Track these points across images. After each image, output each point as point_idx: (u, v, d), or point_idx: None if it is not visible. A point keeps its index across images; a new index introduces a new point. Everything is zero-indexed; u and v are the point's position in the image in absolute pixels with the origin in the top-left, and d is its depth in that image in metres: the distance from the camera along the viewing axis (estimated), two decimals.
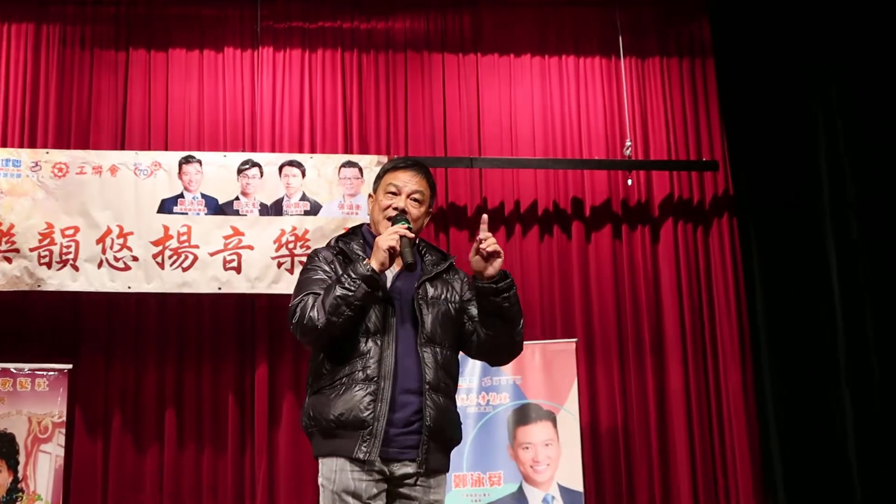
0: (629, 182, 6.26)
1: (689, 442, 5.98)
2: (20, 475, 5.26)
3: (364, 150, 6.11)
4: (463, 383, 5.52)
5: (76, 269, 5.50)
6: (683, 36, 6.60)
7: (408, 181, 2.87)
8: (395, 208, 2.83)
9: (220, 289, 5.62)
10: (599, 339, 6.11)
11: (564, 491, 5.44)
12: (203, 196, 5.67)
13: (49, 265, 5.47)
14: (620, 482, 5.91)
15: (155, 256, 5.56)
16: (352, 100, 6.22)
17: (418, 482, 2.73)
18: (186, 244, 5.60)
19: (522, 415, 5.58)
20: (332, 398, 2.70)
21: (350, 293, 2.65)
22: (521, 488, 5.47)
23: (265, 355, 5.84)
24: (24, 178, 5.53)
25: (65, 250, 5.49)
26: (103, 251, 5.52)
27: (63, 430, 5.37)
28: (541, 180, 6.30)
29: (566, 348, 5.69)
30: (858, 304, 5.71)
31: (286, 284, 5.52)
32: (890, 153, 5.77)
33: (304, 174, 5.76)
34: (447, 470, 2.85)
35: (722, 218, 6.34)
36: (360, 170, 5.79)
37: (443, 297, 2.85)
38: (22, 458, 5.28)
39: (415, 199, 2.87)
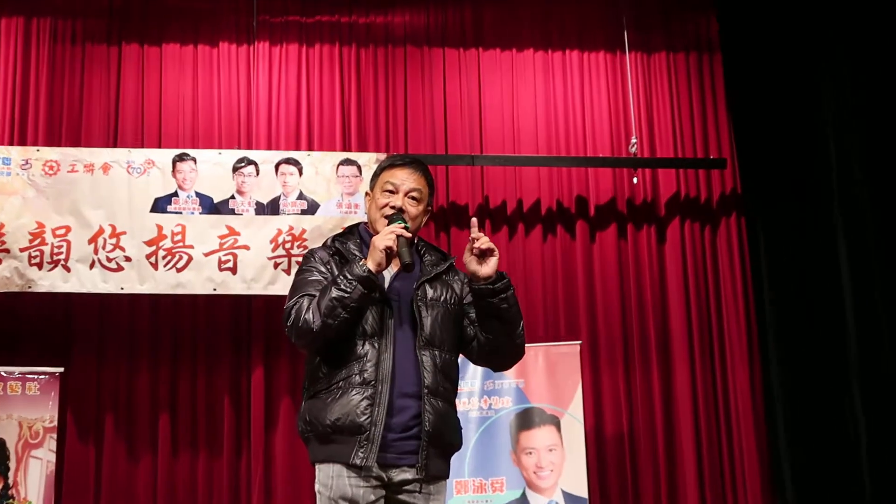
0: (635, 180, 6.24)
1: (697, 447, 5.97)
2: (10, 481, 5.25)
3: (363, 148, 6.10)
4: (464, 387, 5.51)
5: (68, 269, 5.49)
6: (690, 31, 6.59)
7: (405, 179, 2.86)
8: (393, 207, 2.82)
9: (215, 290, 5.61)
10: (604, 341, 6.10)
11: (569, 497, 5.43)
12: (197, 195, 5.66)
13: (40, 266, 5.46)
14: (626, 488, 5.90)
15: (148, 257, 5.55)
16: (350, 96, 6.22)
17: (418, 489, 2.72)
18: (181, 244, 5.59)
19: (525, 419, 5.57)
20: (329, 402, 2.69)
21: (346, 295, 2.64)
22: (524, 494, 5.46)
23: (261, 358, 5.83)
24: (14, 177, 5.52)
25: (56, 250, 5.48)
26: (95, 251, 5.51)
27: (54, 435, 5.36)
28: (544, 178, 6.29)
29: (570, 351, 5.68)
30: (869, 303, 5.72)
31: (283, 285, 5.51)
32: None
33: (301, 172, 5.75)
34: (447, 476, 2.84)
35: (730, 217, 6.33)
36: (359, 168, 5.77)
37: (442, 298, 2.84)
38: (12, 464, 5.27)
39: (412, 198, 2.85)
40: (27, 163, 5.55)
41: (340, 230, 3.06)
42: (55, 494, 5.34)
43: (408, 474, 2.70)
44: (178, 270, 5.56)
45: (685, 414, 6.00)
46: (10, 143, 5.78)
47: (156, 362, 5.80)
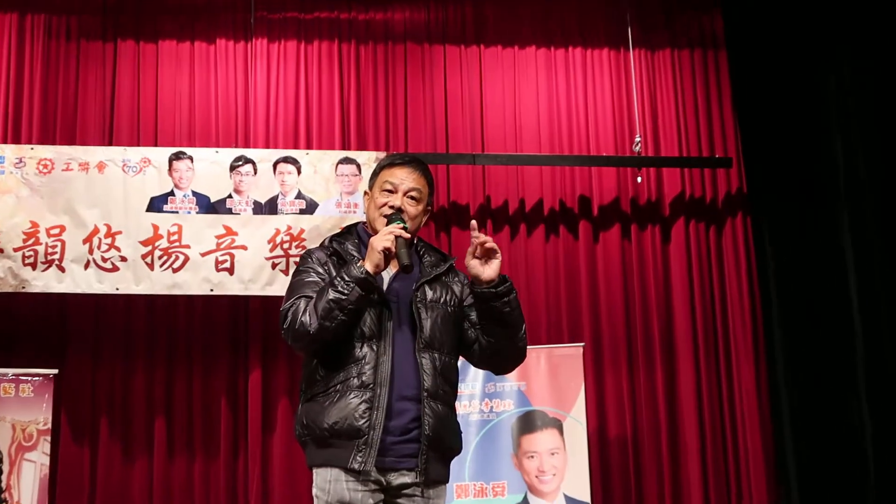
0: (639, 179, 6.24)
1: (701, 450, 5.97)
2: (3, 485, 5.23)
3: (362, 146, 6.09)
4: (465, 389, 5.51)
5: (62, 269, 5.48)
6: (695, 27, 6.58)
7: (405, 178, 2.85)
8: (392, 207, 2.81)
9: (212, 290, 5.61)
10: (607, 343, 6.09)
11: (571, 501, 5.43)
12: (194, 194, 5.66)
13: (34, 266, 5.46)
14: (629, 492, 5.90)
15: (144, 257, 5.54)
16: (349, 94, 6.21)
17: (417, 493, 2.71)
18: (177, 244, 5.58)
19: (527, 422, 5.57)
20: (326, 406, 2.69)
21: (343, 297, 2.63)
22: (525, 499, 5.46)
23: (259, 359, 5.83)
24: (7, 175, 5.52)
25: (50, 250, 5.48)
26: (90, 251, 5.51)
27: (48, 438, 5.36)
28: (546, 178, 6.29)
29: (573, 353, 5.68)
30: (875, 302, 5.74)
31: (281, 286, 5.50)
32: None
33: (299, 171, 5.74)
34: (447, 481, 2.83)
35: (735, 217, 6.33)
36: (358, 166, 5.77)
37: (442, 300, 2.83)
38: (6, 467, 5.26)
39: (412, 197, 2.84)
40: (21, 161, 5.54)
41: (339, 230, 3.05)
42: (49, 498, 5.35)
43: (407, 478, 2.70)
44: (175, 271, 5.56)
45: (689, 417, 5.99)
46: (4, 141, 5.78)
47: (152, 364, 5.80)
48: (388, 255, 2.68)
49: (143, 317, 5.83)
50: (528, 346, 2.93)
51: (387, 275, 2.79)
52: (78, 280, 5.50)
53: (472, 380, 5.57)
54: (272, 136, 6.07)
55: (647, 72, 6.46)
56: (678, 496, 5.93)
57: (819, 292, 5.99)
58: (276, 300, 5.46)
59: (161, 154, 5.70)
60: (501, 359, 2.90)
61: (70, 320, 5.78)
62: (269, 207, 5.69)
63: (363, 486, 2.66)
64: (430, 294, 2.82)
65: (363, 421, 2.64)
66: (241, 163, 5.73)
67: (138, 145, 5.90)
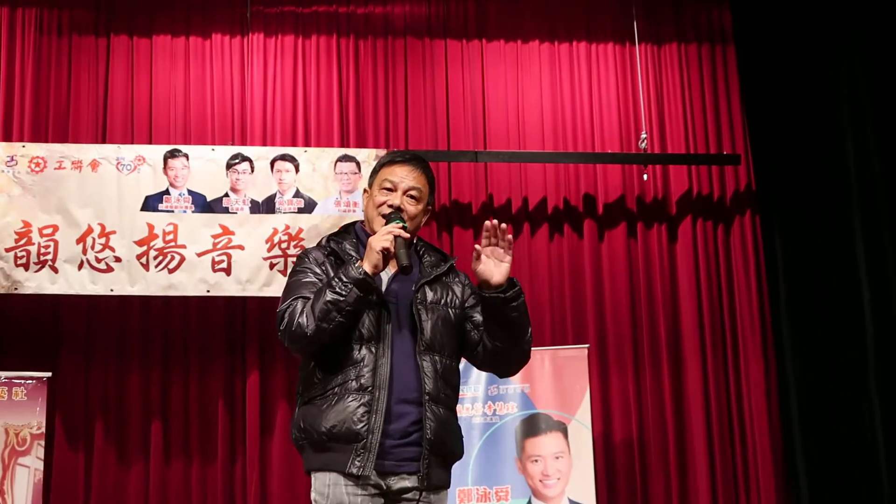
0: (645, 177, 6.23)
1: (709, 453, 5.97)
2: None
3: (362, 144, 6.09)
4: (468, 392, 5.51)
5: (55, 270, 5.48)
6: (702, 21, 6.58)
7: (405, 176, 2.84)
8: (391, 206, 2.81)
9: (208, 291, 5.60)
10: (613, 344, 6.09)
11: None
12: (190, 192, 5.66)
13: (26, 266, 5.46)
14: (636, 497, 5.90)
15: (139, 257, 5.54)
16: (348, 90, 6.21)
17: (417, 497, 2.71)
18: (172, 244, 5.58)
19: (531, 425, 5.56)
20: (324, 409, 2.68)
21: (341, 298, 2.63)
22: (529, 503, 5.45)
23: (256, 362, 5.83)
24: None
25: (43, 250, 5.47)
26: (84, 251, 5.51)
27: (42, 443, 5.36)
28: (550, 175, 6.28)
29: (577, 355, 5.68)
30: (887, 300, 5.74)
31: (279, 287, 5.50)
32: None
33: (297, 169, 5.74)
34: (448, 486, 2.83)
35: (744, 215, 6.32)
36: (358, 164, 5.76)
37: (443, 301, 2.82)
38: None
39: (412, 196, 2.84)
40: (12, 159, 5.54)
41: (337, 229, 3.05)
42: (43, 503, 5.34)
43: (407, 482, 2.69)
44: (170, 271, 5.56)
45: (697, 420, 5.99)
46: None
47: (147, 366, 5.80)
48: (386, 256, 2.67)
49: (137, 318, 5.82)
50: (532, 348, 2.91)
51: (385, 275, 2.79)
52: (71, 281, 5.49)
53: (475, 382, 5.57)
54: (269, 134, 6.07)
55: (653, 67, 6.46)
56: (685, 500, 5.93)
57: (829, 291, 5.99)
58: (274, 301, 5.43)
59: (156, 152, 5.70)
60: (506, 362, 2.89)
61: (63, 322, 5.78)
62: (266, 206, 5.68)
63: (363, 490, 2.66)
64: (430, 295, 2.81)
65: (362, 424, 2.64)
66: (237, 161, 5.72)
67: (132, 143, 5.89)
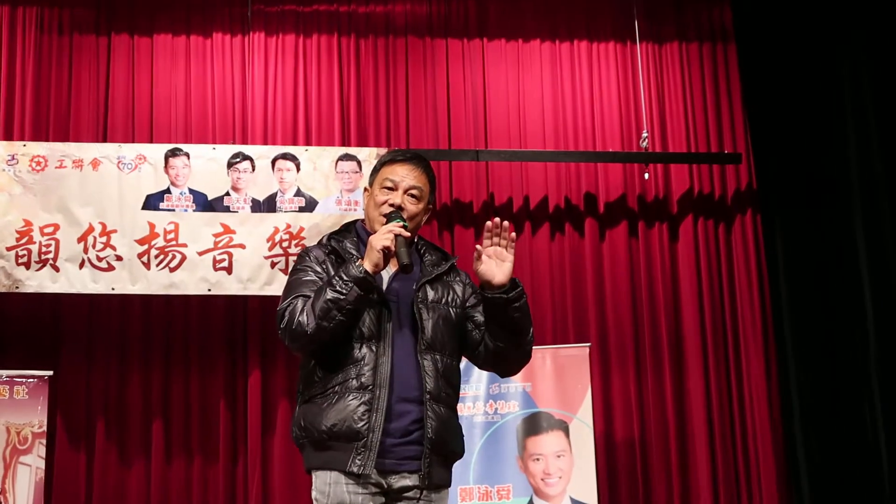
0: (646, 176, 6.23)
1: (710, 452, 5.97)
2: None
3: (363, 143, 6.10)
4: (469, 391, 5.52)
5: (56, 269, 5.49)
6: (703, 19, 6.58)
7: (405, 175, 2.85)
8: (391, 205, 2.81)
9: (209, 290, 5.62)
10: (614, 343, 6.10)
11: None
12: (191, 191, 5.67)
13: (27, 265, 5.47)
14: (637, 495, 5.90)
15: (140, 256, 5.56)
16: (349, 89, 6.22)
17: (418, 496, 2.72)
18: (173, 243, 5.60)
19: (533, 424, 5.57)
20: (325, 408, 2.69)
21: (341, 297, 2.64)
22: (531, 502, 5.47)
23: (258, 360, 5.84)
24: None
25: (44, 249, 5.49)
26: (85, 250, 5.52)
27: (43, 441, 5.37)
28: (551, 174, 6.29)
29: (579, 354, 5.68)
30: (889, 300, 5.73)
31: (280, 285, 5.50)
32: None
33: (298, 168, 5.76)
34: (449, 485, 2.84)
35: (745, 214, 6.33)
36: (359, 163, 5.78)
37: (444, 300, 2.83)
38: (0, 471, 5.28)
39: (412, 195, 2.84)
40: (13, 158, 5.55)
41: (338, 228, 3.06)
42: (44, 502, 5.35)
43: (408, 480, 2.70)
44: (171, 270, 5.57)
45: (699, 418, 6.00)
46: None
47: (148, 365, 5.81)
48: (387, 255, 2.68)
49: (139, 317, 5.83)
50: (533, 347, 2.92)
51: (386, 274, 2.80)
52: (72, 280, 5.51)
53: (477, 381, 5.58)
54: (270, 133, 6.08)
55: (654, 65, 6.47)
56: (687, 499, 5.94)
57: (831, 291, 5.99)
58: (275, 300, 5.44)
59: (157, 151, 5.71)
60: (507, 362, 2.90)
61: (64, 321, 5.79)
62: (267, 205, 5.70)
63: (363, 489, 2.67)
64: (431, 294, 2.82)
65: (362, 423, 2.65)
66: (238, 159, 5.74)
67: (133, 142, 5.90)
